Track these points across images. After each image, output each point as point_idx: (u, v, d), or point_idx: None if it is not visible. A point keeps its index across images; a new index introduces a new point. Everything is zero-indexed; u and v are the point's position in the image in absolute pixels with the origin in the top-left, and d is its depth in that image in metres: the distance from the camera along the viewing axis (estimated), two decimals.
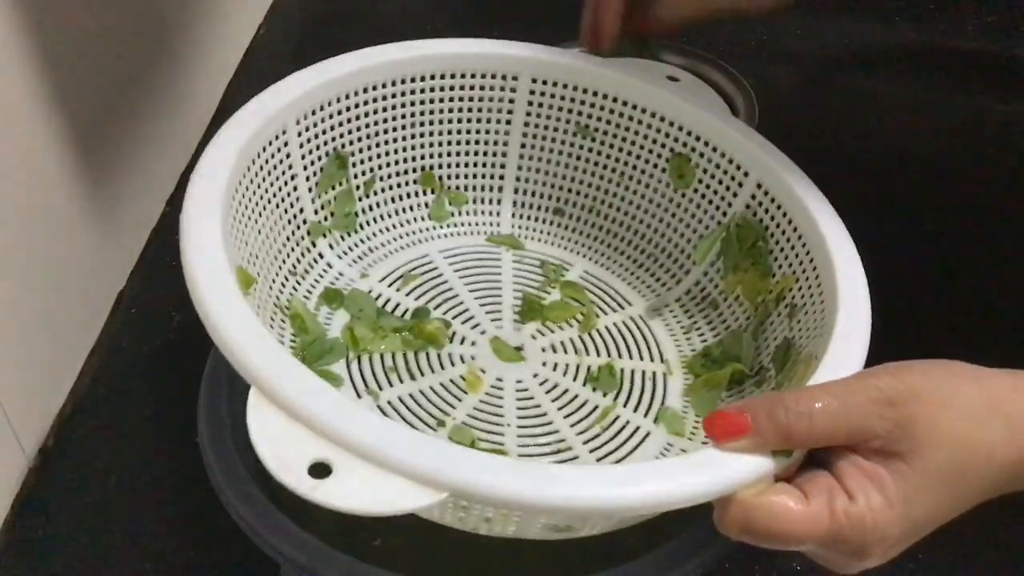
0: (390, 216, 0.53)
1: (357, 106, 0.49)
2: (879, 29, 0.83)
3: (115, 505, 0.52)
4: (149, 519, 0.51)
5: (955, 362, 0.35)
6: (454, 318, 0.50)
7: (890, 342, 0.58)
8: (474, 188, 0.55)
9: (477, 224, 0.55)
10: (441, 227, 0.54)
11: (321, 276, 0.50)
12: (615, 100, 0.51)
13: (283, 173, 0.47)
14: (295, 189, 0.48)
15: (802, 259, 0.45)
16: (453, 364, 0.47)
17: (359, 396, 0.45)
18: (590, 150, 0.53)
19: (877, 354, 0.55)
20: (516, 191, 0.55)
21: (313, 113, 0.47)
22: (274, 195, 0.47)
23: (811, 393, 0.34)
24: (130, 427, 0.55)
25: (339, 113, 0.49)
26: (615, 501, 0.32)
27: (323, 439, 0.32)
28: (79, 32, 0.57)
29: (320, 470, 0.32)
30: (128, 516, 0.51)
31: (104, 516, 0.51)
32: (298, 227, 0.49)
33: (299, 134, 0.47)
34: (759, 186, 0.47)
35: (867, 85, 0.78)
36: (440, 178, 0.54)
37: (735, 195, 0.49)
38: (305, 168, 0.48)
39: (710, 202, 0.50)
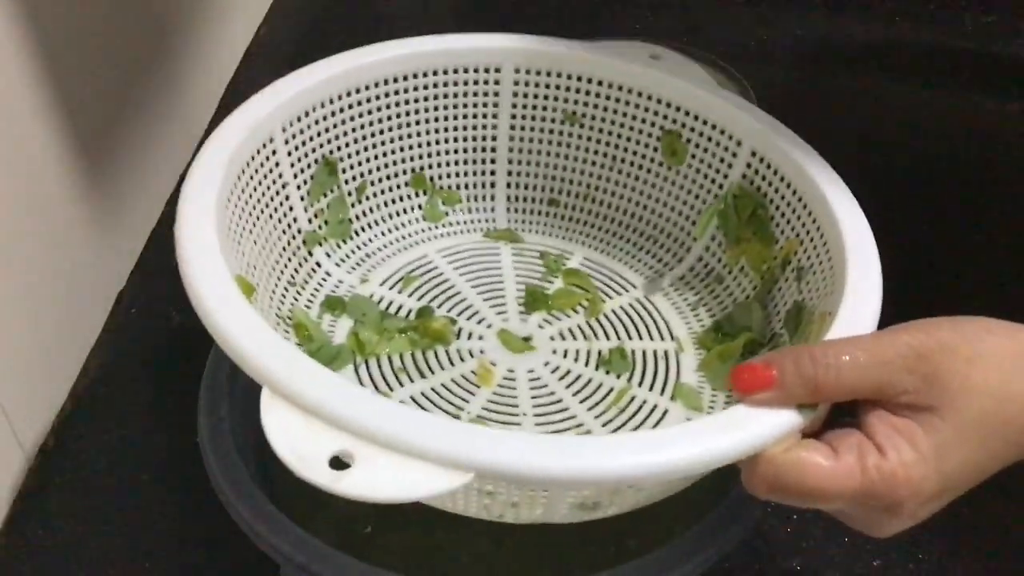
0: (384, 220, 0.53)
1: (343, 110, 0.49)
2: (879, 29, 0.83)
3: (115, 505, 0.52)
4: (149, 519, 0.51)
5: (985, 317, 0.34)
6: (459, 314, 0.49)
7: None
8: (466, 186, 0.54)
9: (473, 222, 0.54)
10: (437, 227, 0.54)
11: (321, 284, 0.49)
12: (600, 83, 0.51)
13: (273, 183, 0.47)
14: (287, 199, 0.48)
15: (804, 221, 0.45)
16: (463, 360, 0.46)
17: None
18: (579, 137, 0.53)
19: None
20: (509, 185, 0.54)
21: (299, 120, 0.47)
22: (266, 206, 0.46)
23: (839, 345, 0.34)
24: (130, 427, 0.55)
25: (324, 119, 0.48)
26: (643, 467, 0.31)
27: (341, 431, 0.31)
28: (79, 33, 0.57)
29: (341, 463, 0.31)
30: (128, 516, 0.51)
31: (104, 516, 0.51)
32: (293, 237, 0.49)
33: (286, 142, 0.47)
34: (753, 154, 0.47)
35: (867, 85, 0.78)
36: (431, 179, 0.53)
37: (730, 166, 0.48)
38: (296, 176, 0.48)
39: (705, 176, 0.50)
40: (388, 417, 0.32)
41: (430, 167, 0.53)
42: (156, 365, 0.59)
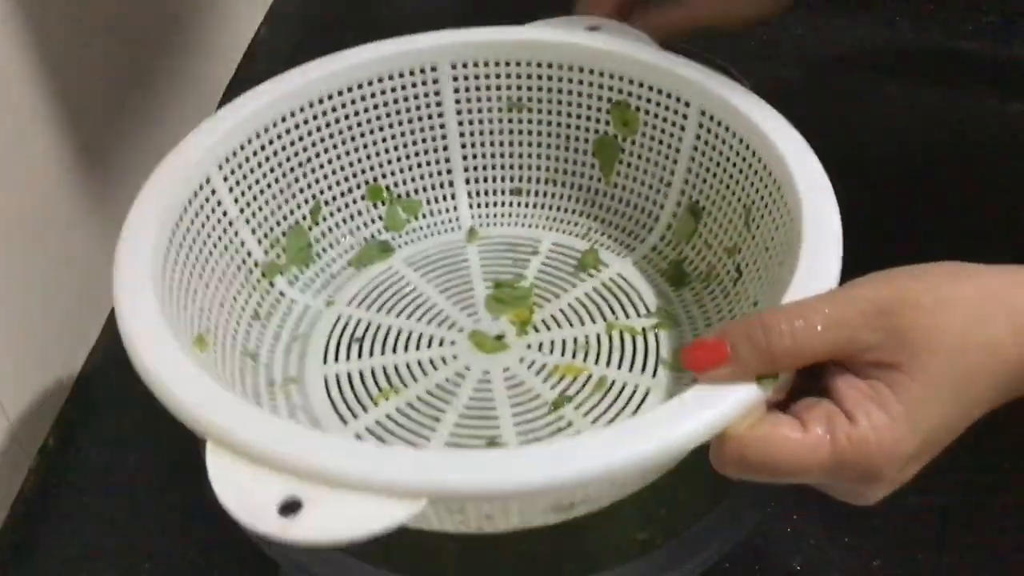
0: (345, 238, 0.51)
1: (280, 136, 0.47)
2: (879, 29, 0.83)
3: (115, 505, 0.52)
4: (149, 519, 0.51)
5: (950, 262, 0.33)
6: (429, 322, 0.48)
7: None
8: (424, 189, 0.52)
9: (436, 224, 0.53)
10: (400, 236, 0.52)
11: (287, 313, 0.48)
12: (539, 65, 0.49)
13: (219, 222, 0.45)
14: (236, 234, 0.46)
15: (763, 177, 0.43)
16: (436, 368, 0.46)
17: (345, 423, 0.44)
18: (529, 122, 0.51)
19: None
20: (468, 181, 0.53)
21: (234, 155, 0.45)
22: (215, 245, 0.45)
23: (792, 310, 0.32)
24: (130, 427, 0.55)
25: (262, 149, 0.47)
26: (596, 470, 0.30)
27: (286, 474, 0.30)
28: (78, 32, 0.57)
29: (291, 508, 0.30)
30: (128, 516, 0.51)
31: (104, 516, 0.51)
32: (251, 271, 0.47)
33: (225, 179, 0.45)
34: (703, 113, 0.46)
35: (867, 85, 0.78)
36: (387, 187, 0.52)
37: (683, 129, 0.47)
38: (242, 211, 0.46)
39: (660, 142, 0.48)
40: (330, 454, 0.31)
41: (384, 176, 0.52)
42: None
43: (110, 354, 0.59)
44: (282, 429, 0.32)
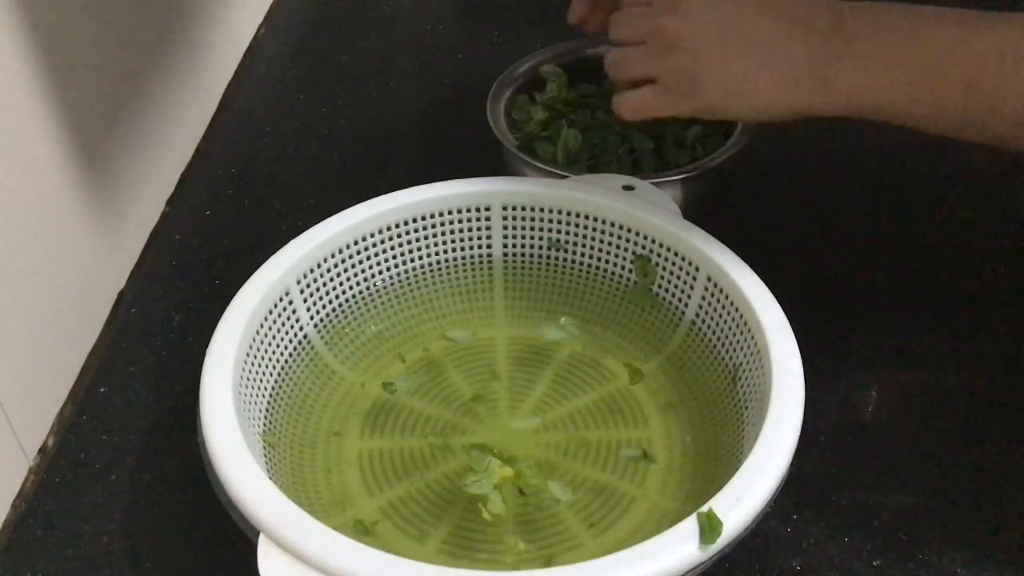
0: (398, 335, 0.57)
1: (352, 256, 0.55)
2: None
3: (115, 505, 0.52)
4: (149, 519, 0.51)
5: None
6: (455, 410, 0.52)
7: (900, 337, 0.58)
8: (468, 300, 0.58)
9: (471, 321, 0.58)
10: (441, 327, 0.58)
11: (343, 398, 0.54)
12: (578, 216, 0.57)
13: (292, 326, 0.53)
14: (306, 336, 0.54)
15: (749, 344, 0.49)
16: (456, 457, 0.50)
17: (371, 496, 0.49)
18: (565, 261, 0.58)
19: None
20: (506, 299, 0.59)
21: (311, 271, 0.53)
22: (288, 343, 0.53)
23: None
24: (130, 427, 0.55)
25: (335, 267, 0.55)
26: None
27: (312, 568, 0.39)
28: (79, 33, 0.56)
29: None
30: (128, 516, 0.51)
31: (104, 516, 0.51)
32: (316, 364, 0.54)
33: (301, 292, 0.53)
34: (709, 279, 0.52)
35: None
36: (438, 295, 0.58)
37: (692, 288, 0.54)
38: (312, 318, 0.54)
39: (673, 296, 0.55)
40: (347, 557, 0.39)
41: (435, 285, 0.59)
42: (156, 365, 0.58)
43: (110, 354, 0.59)
44: (311, 530, 0.40)
